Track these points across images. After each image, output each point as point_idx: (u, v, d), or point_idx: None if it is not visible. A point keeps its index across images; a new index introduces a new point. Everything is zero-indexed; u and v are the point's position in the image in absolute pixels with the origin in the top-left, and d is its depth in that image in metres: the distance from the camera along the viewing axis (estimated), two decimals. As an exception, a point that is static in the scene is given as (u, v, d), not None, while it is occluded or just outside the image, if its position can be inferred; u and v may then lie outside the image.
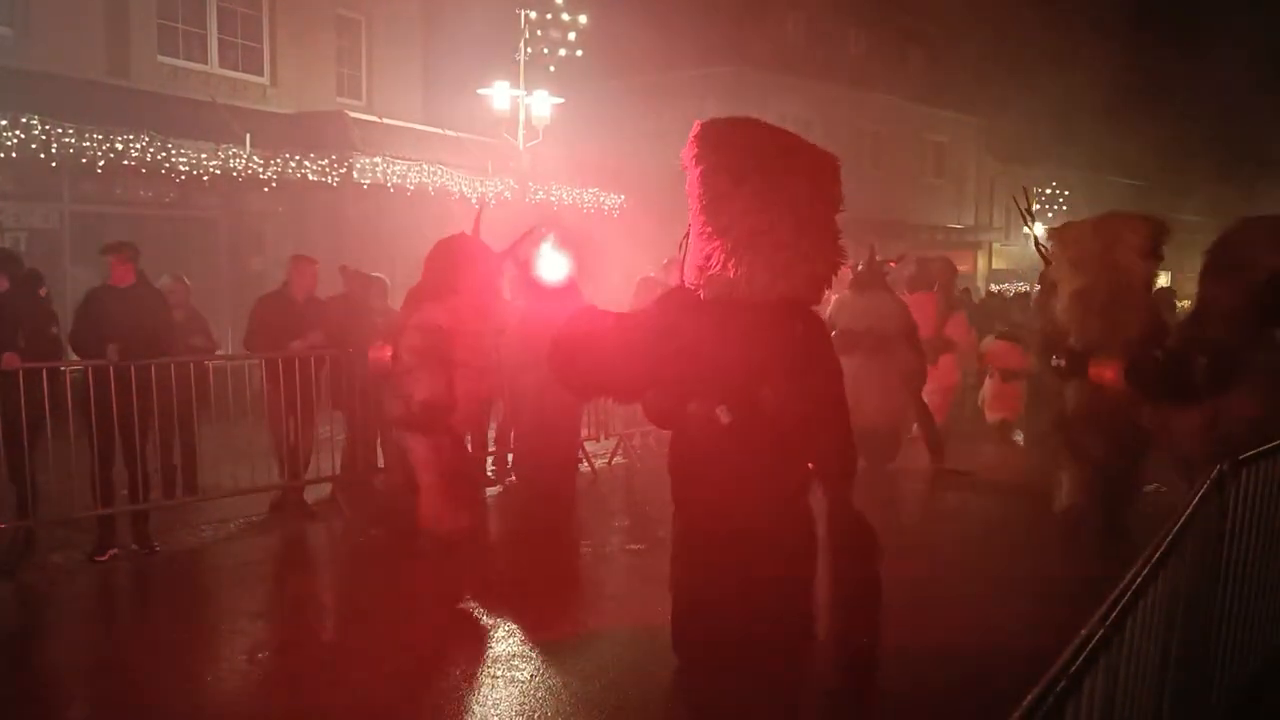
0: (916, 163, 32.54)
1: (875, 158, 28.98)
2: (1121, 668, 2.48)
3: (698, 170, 4.72)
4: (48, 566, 7.20)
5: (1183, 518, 3.13)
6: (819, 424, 4.73)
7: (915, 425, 10.35)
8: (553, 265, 5.62)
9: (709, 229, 4.68)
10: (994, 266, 35.35)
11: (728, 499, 4.65)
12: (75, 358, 7.56)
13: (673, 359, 4.76)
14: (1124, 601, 2.41)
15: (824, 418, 4.75)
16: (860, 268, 9.79)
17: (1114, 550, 6.91)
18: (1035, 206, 37.40)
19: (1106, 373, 6.69)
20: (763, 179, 4.61)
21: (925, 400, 10.22)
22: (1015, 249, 35.07)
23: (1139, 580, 2.55)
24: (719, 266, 4.65)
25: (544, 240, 6.27)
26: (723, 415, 4.62)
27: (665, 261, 11.18)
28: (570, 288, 6.80)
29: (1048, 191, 37.58)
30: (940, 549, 7.65)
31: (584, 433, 9.96)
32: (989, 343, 11.82)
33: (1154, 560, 2.70)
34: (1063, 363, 7.43)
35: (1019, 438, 11.99)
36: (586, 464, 10.36)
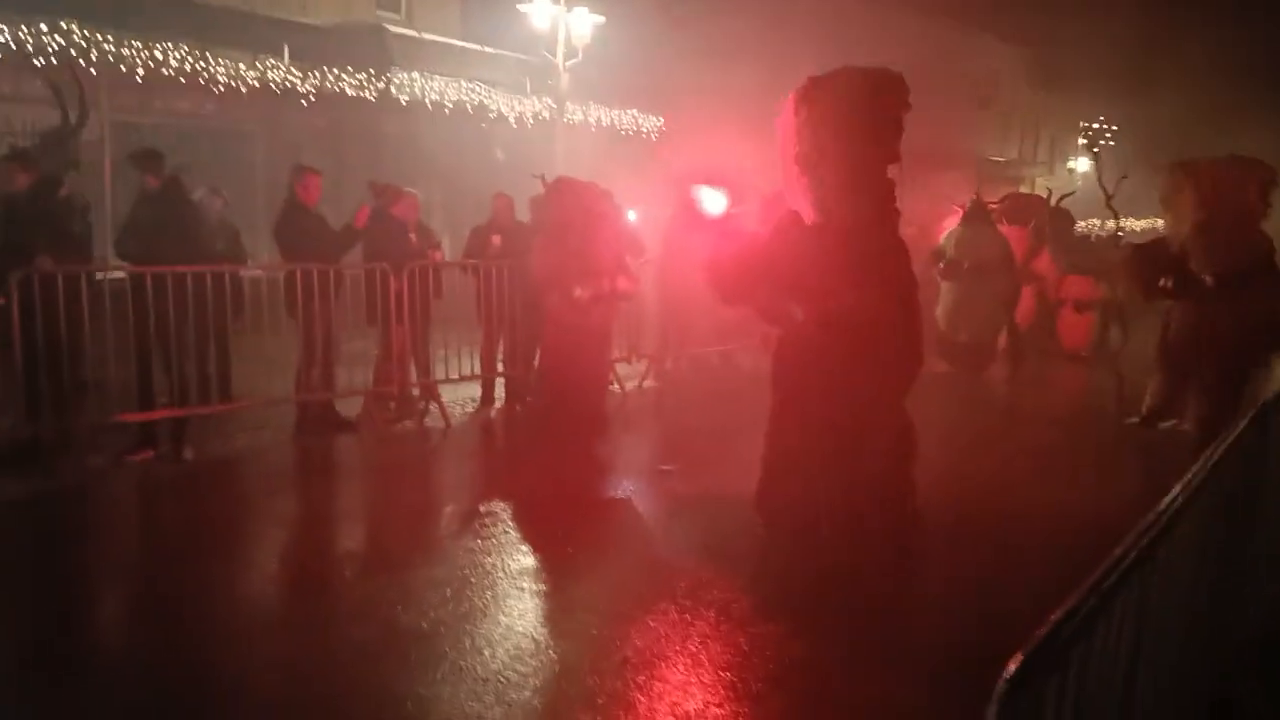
0: (957, 91, 31.90)
1: (915, 85, 28.31)
2: (1154, 592, 2.48)
3: (794, 120, 5.67)
4: (86, 468, 7.36)
5: (1223, 447, 3.11)
6: (885, 329, 5.53)
7: (1004, 340, 11.77)
8: (712, 200, 6.45)
9: (800, 164, 5.64)
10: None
11: (811, 388, 5.62)
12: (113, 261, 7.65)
13: (779, 268, 5.69)
14: (1157, 529, 2.39)
15: (888, 324, 5.56)
16: (968, 205, 11.19)
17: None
18: (1082, 141, 36.69)
19: None
20: (834, 122, 5.53)
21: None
22: (1056, 184, 34.47)
23: (1175, 505, 2.53)
24: (813, 197, 5.62)
25: (702, 180, 6.75)
26: (797, 313, 5.62)
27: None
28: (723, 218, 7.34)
29: (1094, 126, 36.88)
30: (1011, 445, 8.72)
31: (614, 354, 9.99)
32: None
33: (1191, 487, 2.68)
34: (1170, 284, 8.00)
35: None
36: (617, 385, 10.41)
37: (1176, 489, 2.64)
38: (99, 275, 7.63)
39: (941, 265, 10.84)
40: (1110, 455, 8.59)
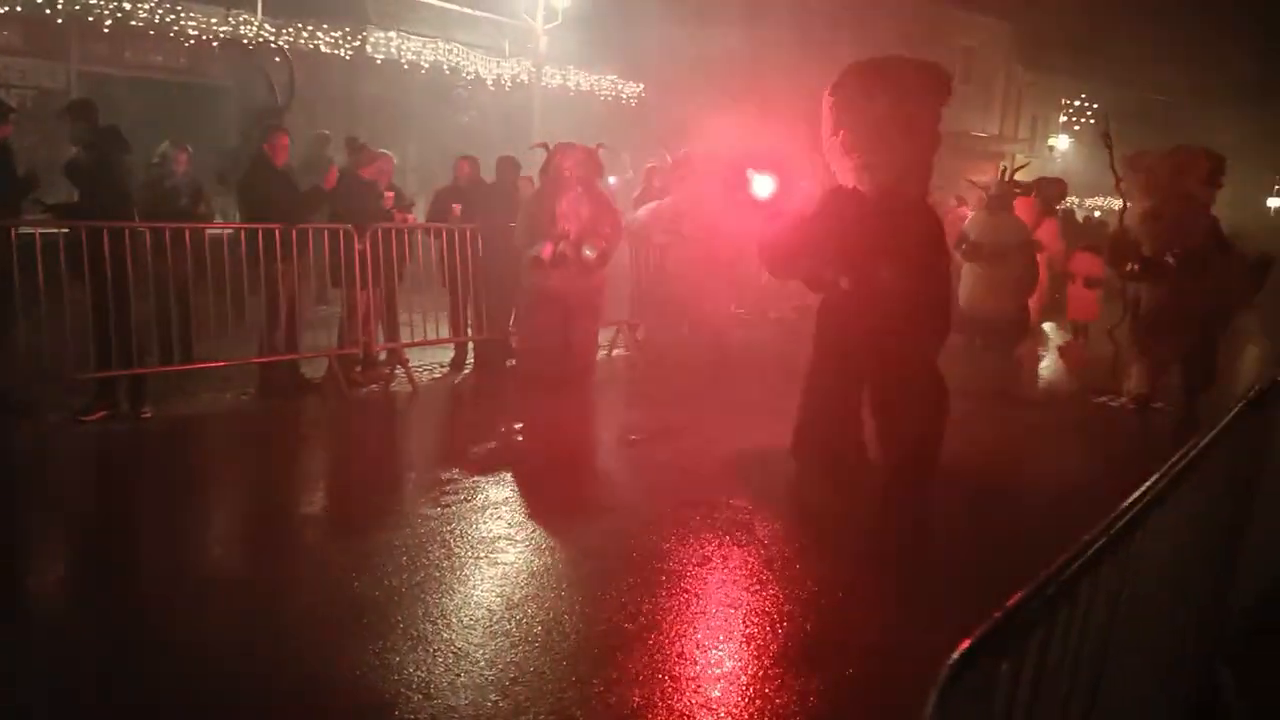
0: (949, 67, 31.75)
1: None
2: (1130, 579, 2.41)
3: (829, 101, 6.13)
4: (40, 428, 7.21)
5: (1217, 430, 3.04)
6: (918, 295, 5.92)
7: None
8: (763, 185, 6.67)
9: (846, 145, 6.04)
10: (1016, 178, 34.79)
11: (849, 345, 6.10)
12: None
13: (824, 237, 6.10)
14: (1134, 512, 2.32)
15: (923, 291, 5.96)
16: (994, 190, 11.81)
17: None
18: (1062, 119, 36.86)
19: None
20: (883, 108, 5.89)
21: None
22: (1038, 161, 34.49)
23: (1156, 490, 2.45)
24: (856, 173, 6.03)
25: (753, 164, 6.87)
26: (843, 282, 6.03)
27: (681, 151, 11.17)
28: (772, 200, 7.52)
29: (1076, 103, 36.89)
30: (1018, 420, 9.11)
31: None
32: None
33: (1172, 474, 2.60)
34: (1135, 268, 8.63)
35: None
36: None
37: (1154, 478, 2.57)
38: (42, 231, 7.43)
39: (964, 247, 11.32)
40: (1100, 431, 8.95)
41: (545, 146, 9.13)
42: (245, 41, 14.54)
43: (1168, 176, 8.53)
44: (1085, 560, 1.94)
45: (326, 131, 12.49)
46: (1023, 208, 12.31)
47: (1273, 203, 45.88)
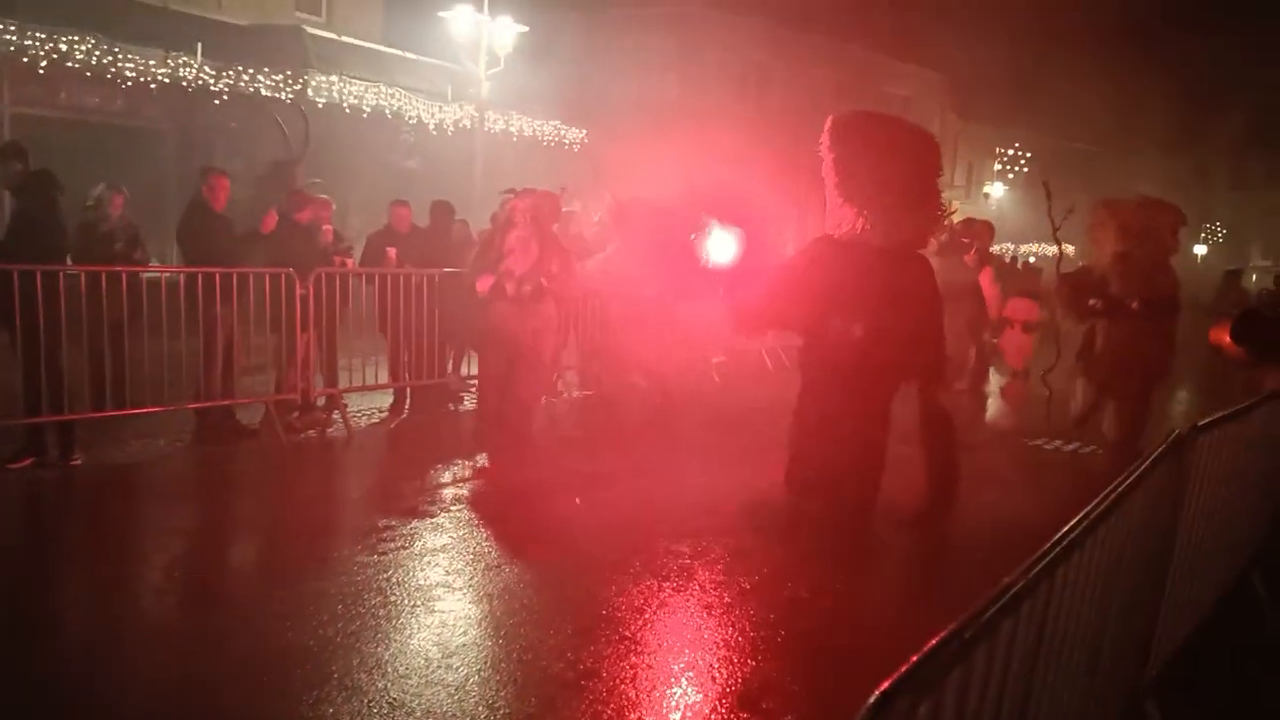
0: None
1: (835, 107, 28.68)
2: (1050, 616, 2.45)
3: (831, 155, 6.20)
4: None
5: (1136, 473, 3.11)
6: (922, 341, 6.21)
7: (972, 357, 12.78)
8: (723, 248, 6.60)
9: (843, 197, 6.16)
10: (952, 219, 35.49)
11: (849, 388, 6.14)
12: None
13: (819, 288, 6.14)
14: (1053, 554, 2.36)
15: (926, 337, 6.27)
16: (943, 238, 11.90)
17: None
18: (997, 167, 37.72)
19: (1221, 334, 7.77)
20: (879, 160, 6.09)
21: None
22: (971, 208, 35.20)
23: (1076, 532, 2.51)
24: (852, 224, 6.13)
25: (711, 226, 6.85)
26: (856, 330, 6.04)
27: (609, 201, 11.33)
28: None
29: (1010, 152, 37.79)
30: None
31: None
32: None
33: (1094, 515, 2.66)
34: (1099, 304, 8.89)
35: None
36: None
37: (1076, 518, 2.62)
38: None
39: None
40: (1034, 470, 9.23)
41: (514, 192, 9.19)
42: (185, 85, 14.44)
43: (1140, 223, 8.87)
44: (1004, 602, 1.99)
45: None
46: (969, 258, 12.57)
47: (1199, 250, 47.25)
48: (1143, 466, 3.18)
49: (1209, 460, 4.19)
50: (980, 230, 13.64)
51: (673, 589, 5.53)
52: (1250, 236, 47.47)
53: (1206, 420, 4.11)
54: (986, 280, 13.11)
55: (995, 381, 13.71)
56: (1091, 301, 8.97)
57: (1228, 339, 7.62)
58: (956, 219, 13.02)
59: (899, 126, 6.44)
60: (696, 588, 5.56)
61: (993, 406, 12.47)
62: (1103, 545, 2.77)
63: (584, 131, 20.86)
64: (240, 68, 15.08)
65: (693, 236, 6.75)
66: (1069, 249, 12.88)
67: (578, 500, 7.26)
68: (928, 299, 6.39)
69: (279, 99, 15.66)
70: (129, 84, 13.87)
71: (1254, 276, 32.71)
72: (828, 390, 6.31)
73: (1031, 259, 27.11)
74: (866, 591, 5.82)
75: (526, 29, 17.85)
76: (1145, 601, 3.69)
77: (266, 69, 15.36)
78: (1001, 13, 28.27)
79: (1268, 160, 43.75)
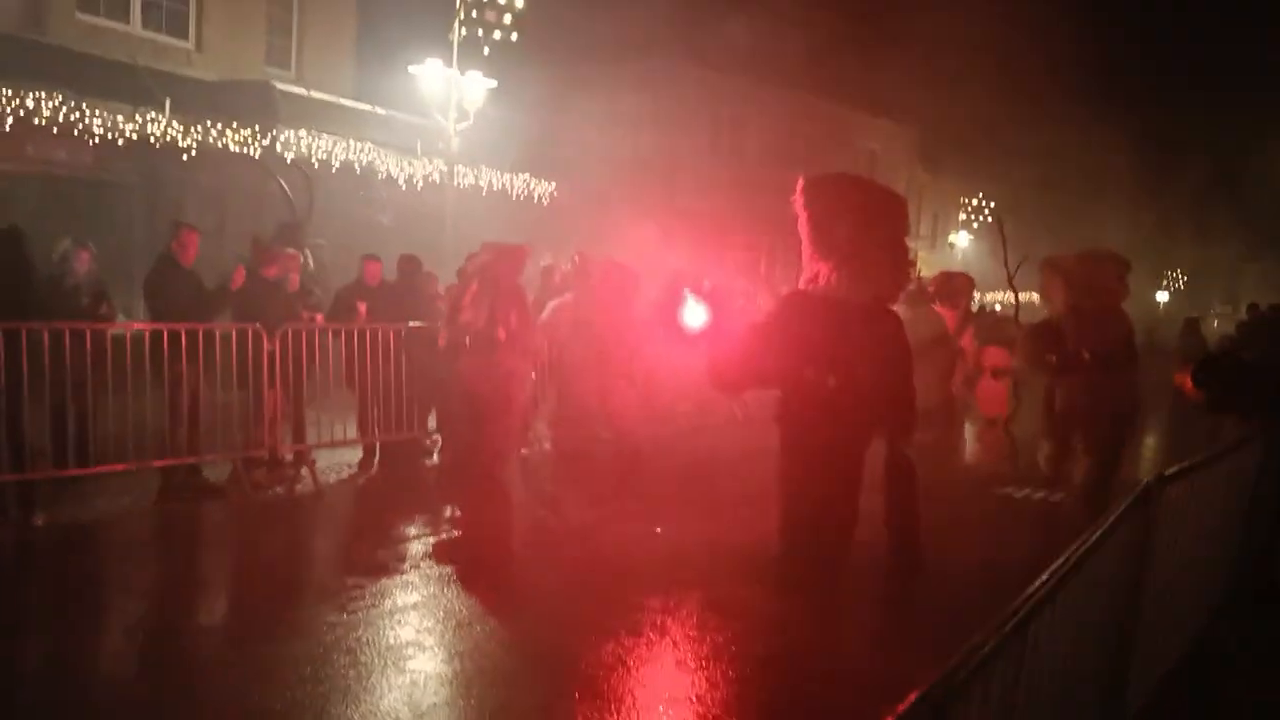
0: (848, 168, 32.75)
1: (808, 161, 29.03)
2: (1025, 671, 2.44)
3: (805, 213, 6.39)
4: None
5: (1105, 527, 3.12)
6: (892, 393, 6.36)
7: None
8: (695, 315, 6.78)
9: (817, 253, 6.35)
10: (920, 273, 35.90)
11: (824, 439, 6.19)
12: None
13: (793, 340, 6.26)
14: (1025, 610, 2.36)
15: (895, 388, 6.41)
16: (911, 288, 11.89)
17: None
18: (961, 216, 38.27)
19: (1185, 379, 7.81)
20: (851, 218, 6.28)
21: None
22: (938, 258, 35.61)
23: (1048, 586, 2.51)
24: (825, 278, 6.30)
25: (686, 294, 7.18)
26: (829, 381, 6.15)
27: (575, 257, 11.45)
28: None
29: (973, 202, 38.33)
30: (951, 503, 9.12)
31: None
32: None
33: (1065, 569, 2.66)
34: (1054, 359, 8.88)
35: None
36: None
37: (1045, 575, 2.62)
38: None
39: None
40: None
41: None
42: (153, 140, 14.41)
43: (1086, 276, 8.96)
44: (974, 666, 1.97)
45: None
46: (947, 317, 12.67)
47: (1160, 296, 47.95)
48: (1112, 518, 3.19)
49: (1176, 510, 4.22)
50: (961, 286, 13.78)
51: (645, 645, 5.48)
52: (1211, 283, 48.28)
53: (1173, 470, 4.14)
54: (968, 340, 13.35)
55: (970, 430, 13.78)
56: (1048, 357, 9.04)
57: (1189, 384, 7.73)
58: (926, 271, 13.23)
59: (870, 187, 6.73)
60: (670, 643, 5.52)
61: (966, 455, 12.56)
62: (1074, 598, 2.77)
63: (553, 185, 20.96)
64: (209, 123, 15.06)
65: (670, 299, 6.86)
66: (1029, 296, 13.09)
67: (546, 551, 7.20)
68: (897, 353, 6.52)
69: (282, 159, 15.76)
70: (96, 140, 13.82)
71: (1215, 323, 33.25)
72: (805, 444, 6.33)
73: (998, 306, 27.41)
74: (840, 645, 5.79)
75: (496, 83, 17.98)
76: (1115, 653, 3.69)
77: (235, 124, 15.35)
78: (969, 68, 28.80)
79: (1227, 210, 44.66)
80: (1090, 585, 2.97)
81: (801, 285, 6.55)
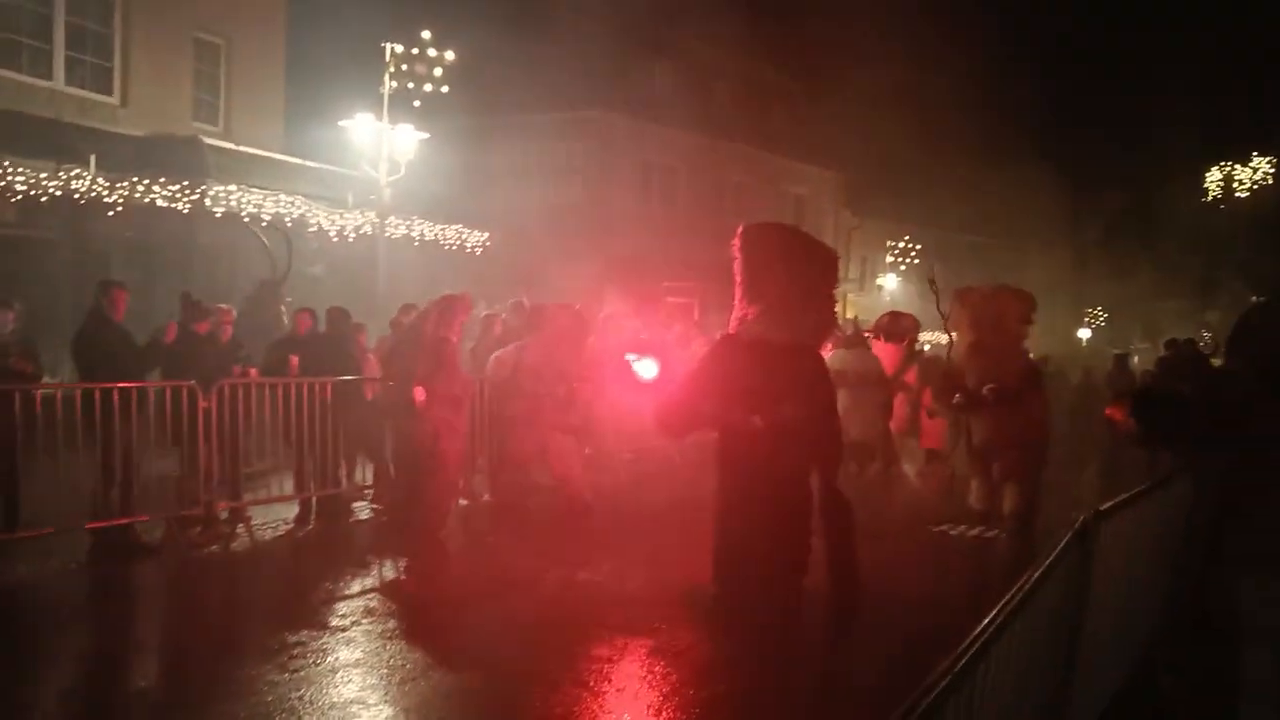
0: (776, 213, 33.27)
1: (737, 207, 29.43)
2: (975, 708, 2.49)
3: (740, 259, 6.56)
4: None
5: (1045, 565, 3.19)
6: (819, 429, 6.51)
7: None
8: (647, 368, 7.46)
9: (746, 296, 6.53)
10: (847, 316, 36.42)
11: (757, 477, 6.29)
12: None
13: (724, 382, 6.45)
14: (974, 649, 2.41)
15: (822, 425, 6.56)
16: (849, 331, 12.99)
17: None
18: (889, 259, 39.00)
19: (1118, 413, 7.97)
20: (783, 266, 6.48)
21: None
22: (867, 300, 36.21)
23: (995, 624, 2.56)
24: (754, 321, 6.46)
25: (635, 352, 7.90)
26: (757, 421, 6.26)
27: (511, 302, 11.62)
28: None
29: (900, 245, 39.08)
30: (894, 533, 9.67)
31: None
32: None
33: (1009, 608, 2.72)
34: (960, 398, 9.21)
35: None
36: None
37: (990, 615, 2.68)
38: None
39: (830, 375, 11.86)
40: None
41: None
42: (77, 196, 14.21)
43: (990, 314, 9.24)
44: (925, 706, 2.02)
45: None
46: (891, 352, 13.26)
47: (1083, 333, 49.10)
48: (1052, 556, 3.28)
49: (1113, 544, 4.32)
50: (908, 325, 14.22)
51: (592, 695, 5.48)
52: (1130, 320, 49.47)
53: (1109, 505, 4.23)
54: (913, 376, 13.61)
55: (910, 467, 14.02)
56: (955, 397, 9.37)
57: (1120, 417, 7.96)
58: (857, 314, 13.61)
59: (804, 239, 6.95)
60: (615, 691, 5.52)
61: (905, 490, 12.82)
62: (1019, 638, 2.84)
63: (486, 234, 20.99)
64: (135, 178, 14.90)
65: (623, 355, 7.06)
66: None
67: (488, 604, 7.17)
68: (821, 390, 6.71)
69: (258, 216, 15.82)
70: (18, 197, 13.61)
71: (1135, 358, 34.10)
72: (737, 483, 6.44)
73: (927, 347, 27.86)
74: (785, 686, 5.84)
75: (427, 135, 18.04)
76: (1055, 688, 3.77)
77: (163, 179, 15.19)
78: (892, 115, 29.48)
79: (1141, 249, 45.93)
80: (1033, 623, 3.04)
81: (730, 328, 6.70)
